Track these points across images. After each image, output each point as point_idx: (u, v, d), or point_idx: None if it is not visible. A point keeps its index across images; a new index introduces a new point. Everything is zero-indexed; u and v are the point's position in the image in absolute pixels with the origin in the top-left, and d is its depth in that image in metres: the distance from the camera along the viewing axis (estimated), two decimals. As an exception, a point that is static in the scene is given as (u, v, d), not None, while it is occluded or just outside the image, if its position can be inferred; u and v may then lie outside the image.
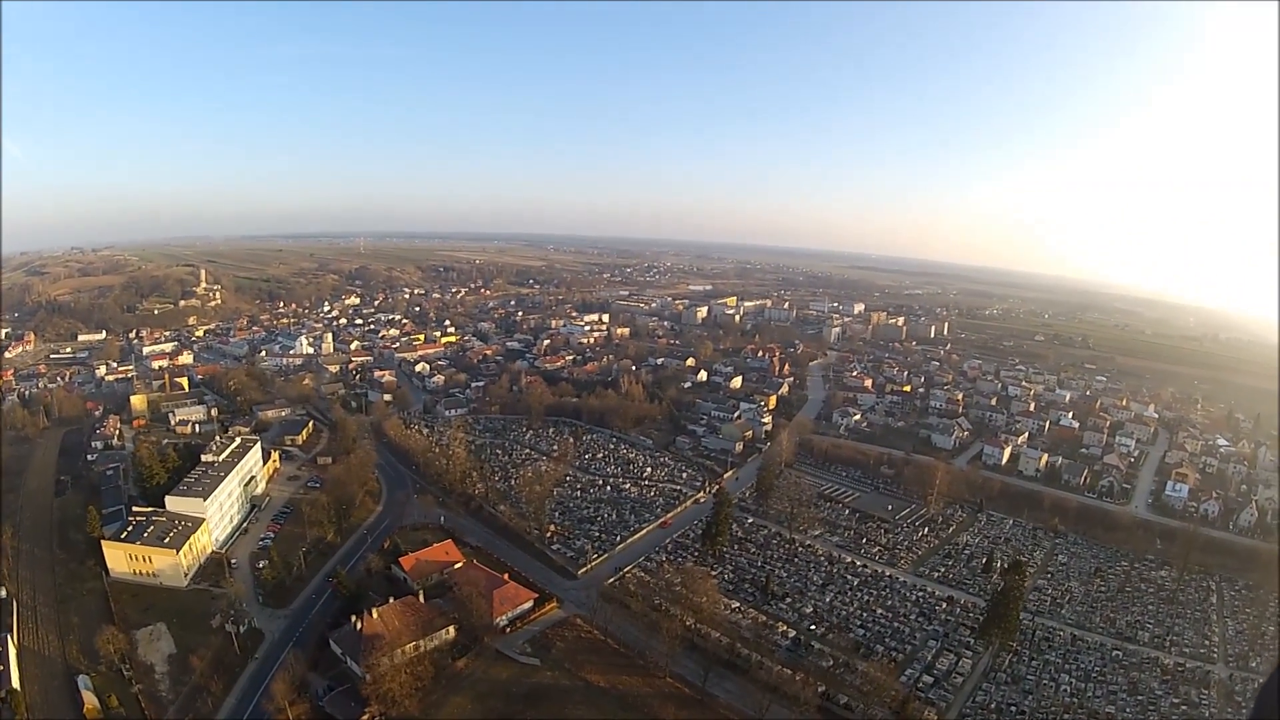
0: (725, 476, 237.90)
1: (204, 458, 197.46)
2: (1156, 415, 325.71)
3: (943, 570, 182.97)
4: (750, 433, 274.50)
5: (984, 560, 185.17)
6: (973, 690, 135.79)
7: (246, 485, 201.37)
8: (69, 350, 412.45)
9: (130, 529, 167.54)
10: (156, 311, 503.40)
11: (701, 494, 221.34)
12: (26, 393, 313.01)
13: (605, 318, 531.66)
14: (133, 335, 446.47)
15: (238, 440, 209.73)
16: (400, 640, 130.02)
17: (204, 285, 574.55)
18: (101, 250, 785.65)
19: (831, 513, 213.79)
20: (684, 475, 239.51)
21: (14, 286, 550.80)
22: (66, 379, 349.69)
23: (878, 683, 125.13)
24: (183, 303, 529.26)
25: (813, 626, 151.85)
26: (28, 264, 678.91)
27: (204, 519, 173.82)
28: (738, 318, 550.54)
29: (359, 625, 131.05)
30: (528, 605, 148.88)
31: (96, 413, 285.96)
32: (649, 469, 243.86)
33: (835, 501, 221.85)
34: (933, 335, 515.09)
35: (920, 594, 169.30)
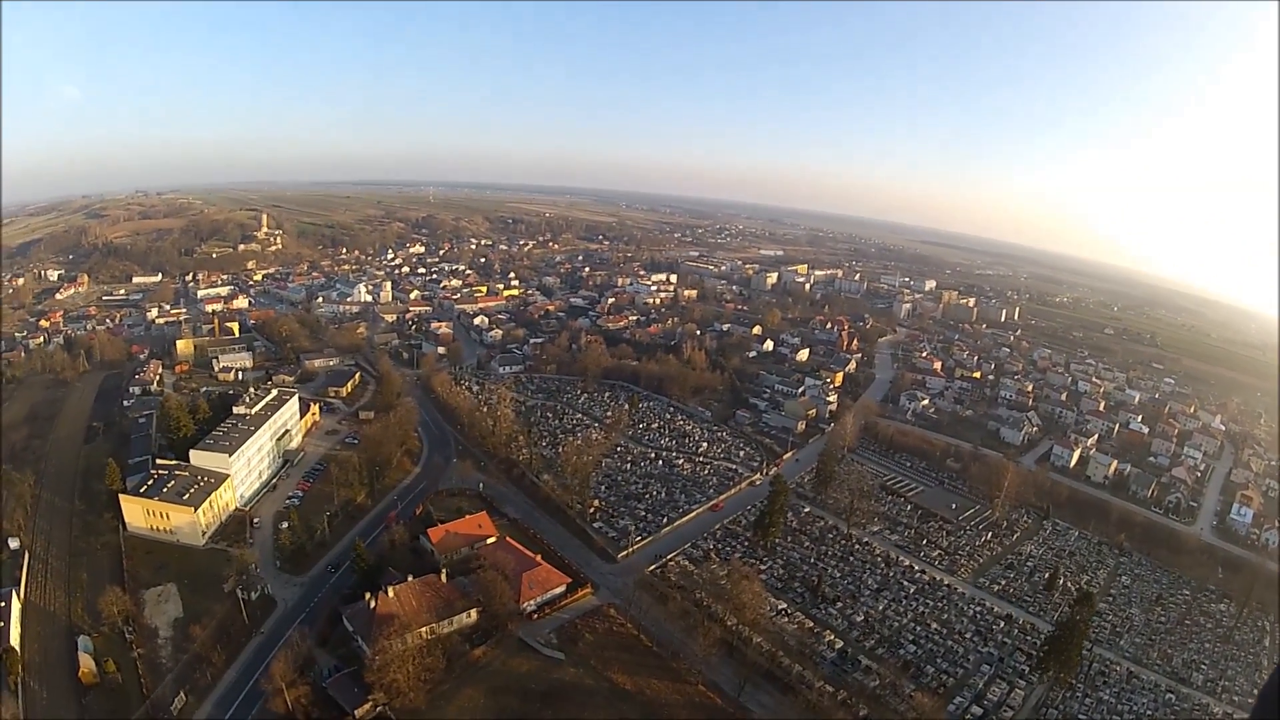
0: (784, 458, 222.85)
1: (236, 409, 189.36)
2: (1223, 427, 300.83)
3: (1003, 583, 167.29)
4: (814, 411, 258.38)
5: (1047, 576, 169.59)
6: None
7: (280, 440, 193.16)
8: (123, 292, 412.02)
9: (151, 483, 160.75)
10: (215, 255, 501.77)
11: (758, 476, 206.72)
12: (73, 334, 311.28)
13: (673, 278, 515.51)
14: (189, 278, 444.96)
15: (274, 392, 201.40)
16: (416, 622, 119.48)
17: (265, 229, 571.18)
18: (166, 194, 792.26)
19: (893, 507, 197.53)
20: (741, 453, 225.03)
21: (70, 229, 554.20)
22: (115, 321, 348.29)
23: (924, 711, 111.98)
24: (242, 247, 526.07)
25: (861, 639, 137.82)
26: (87, 207, 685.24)
27: (228, 475, 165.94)
28: (807, 286, 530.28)
29: (372, 604, 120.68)
30: (559, 590, 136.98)
31: (141, 356, 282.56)
32: (705, 444, 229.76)
33: (897, 495, 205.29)
34: (1003, 319, 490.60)
35: (978, 609, 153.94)
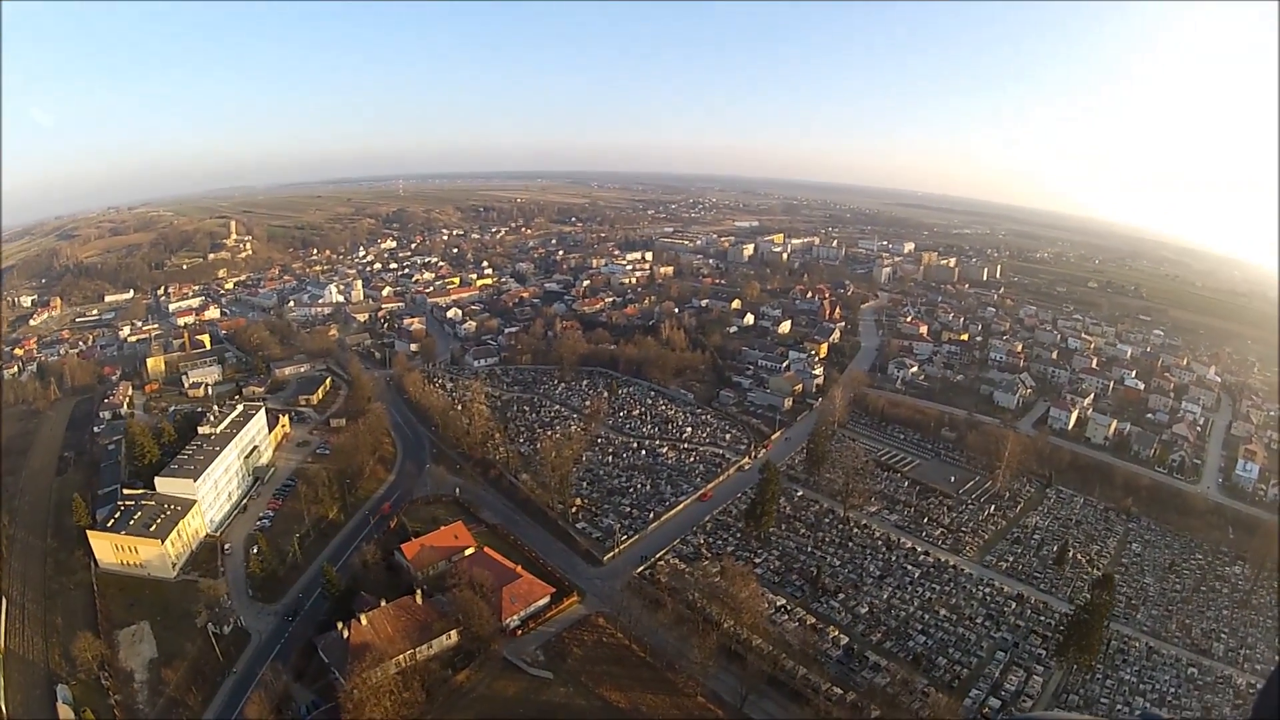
0: (773, 438, 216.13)
1: (201, 429, 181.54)
2: (1219, 379, 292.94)
3: (1011, 560, 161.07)
4: (800, 386, 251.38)
5: (1056, 550, 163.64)
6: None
7: (248, 457, 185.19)
8: (95, 312, 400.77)
9: (118, 515, 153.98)
10: (185, 266, 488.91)
11: (746, 459, 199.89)
12: (45, 361, 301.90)
13: (648, 256, 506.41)
14: (160, 293, 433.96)
15: (239, 408, 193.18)
16: (393, 649, 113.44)
17: (234, 237, 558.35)
18: (137, 208, 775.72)
19: (890, 484, 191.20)
20: (727, 436, 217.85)
21: (43, 252, 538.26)
22: (89, 343, 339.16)
23: (940, 709, 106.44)
24: (212, 256, 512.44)
25: (867, 633, 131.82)
26: (60, 228, 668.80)
27: (195, 500, 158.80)
28: (785, 256, 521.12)
29: (346, 633, 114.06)
30: (543, 602, 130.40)
31: (114, 378, 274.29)
32: (689, 429, 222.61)
33: (893, 470, 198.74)
34: (985, 278, 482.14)
35: (987, 590, 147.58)
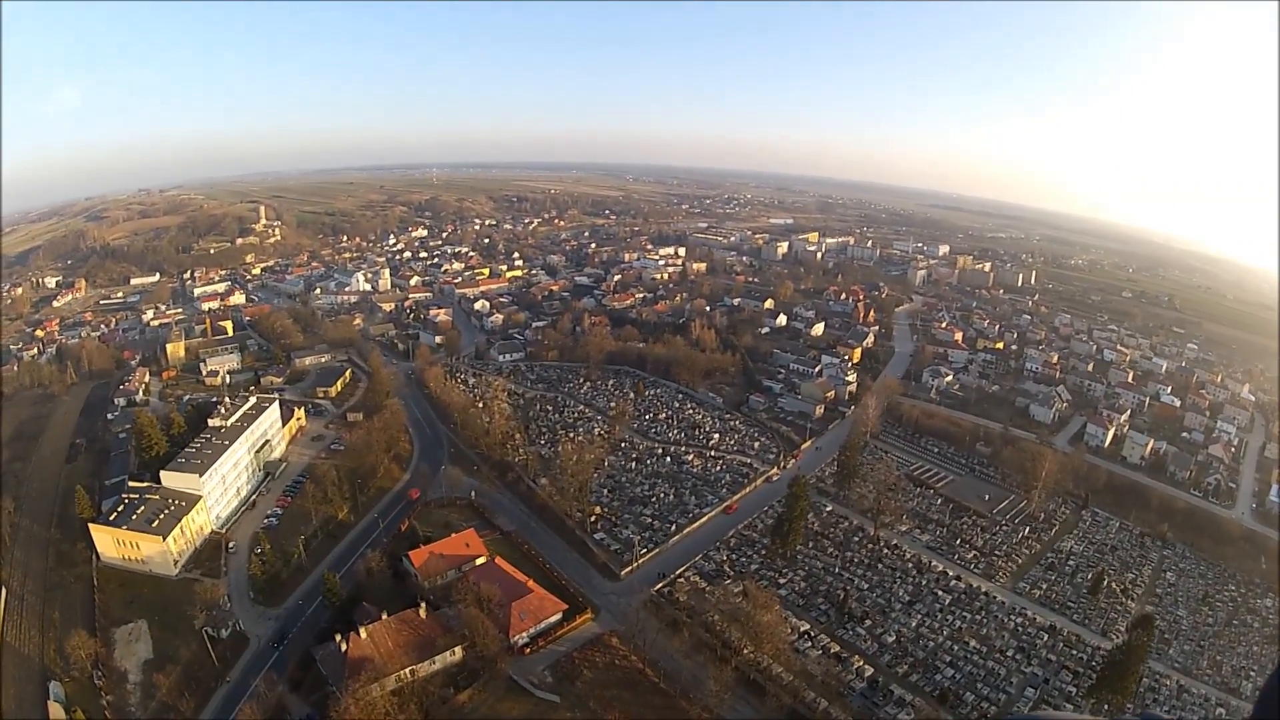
0: (803, 448, 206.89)
1: (211, 422, 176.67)
2: (1253, 397, 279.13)
3: (1044, 587, 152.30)
4: (832, 393, 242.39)
5: (1091, 578, 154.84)
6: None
7: (259, 451, 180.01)
8: (120, 295, 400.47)
9: (121, 509, 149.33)
10: (213, 251, 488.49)
11: (775, 470, 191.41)
12: (66, 344, 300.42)
13: (681, 251, 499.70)
14: (187, 277, 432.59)
15: (251, 400, 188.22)
16: (393, 665, 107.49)
17: (263, 222, 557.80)
18: (169, 190, 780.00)
19: (922, 501, 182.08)
20: (755, 445, 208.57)
21: (70, 233, 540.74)
22: (112, 326, 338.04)
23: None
24: (240, 240, 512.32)
25: (893, 663, 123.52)
26: (89, 209, 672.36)
27: (200, 496, 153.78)
28: (819, 255, 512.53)
29: (344, 646, 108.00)
30: (554, 619, 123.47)
31: (133, 362, 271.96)
32: (716, 435, 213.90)
33: (926, 486, 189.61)
34: (1020, 284, 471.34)
35: (1019, 620, 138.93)
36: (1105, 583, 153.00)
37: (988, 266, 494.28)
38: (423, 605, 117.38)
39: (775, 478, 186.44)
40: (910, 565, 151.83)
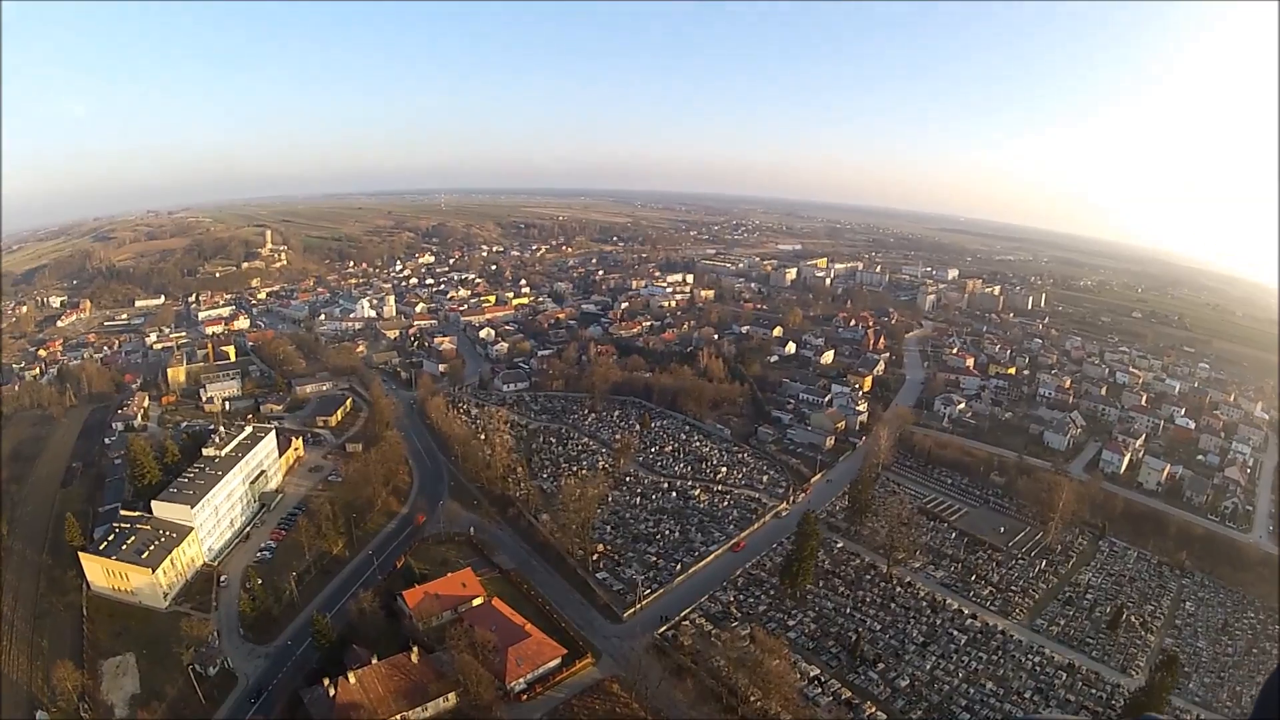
0: (812, 481, 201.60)
1: (205, 451, 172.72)
2: (1266, 416, 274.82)
3: (1062, 623, 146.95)
4: (843, 423, 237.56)
5: (1110, 611, 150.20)
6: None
7: (254, 482, 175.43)
8: (124, 317, 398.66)
9: (112, 538, 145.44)
10: (218, 274, 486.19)
11: (784, 505, 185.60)
12: (68, 365, 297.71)
13: (689, 278, 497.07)
14: (192, 300, 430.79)
15: (247, 430, 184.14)
16: (383, 711, 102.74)
17: (269, 246, 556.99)
18: (177, 212, 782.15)
19: (936, 536, 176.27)
20: (764, 478, 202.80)
21: (76, 253, 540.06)
22: (115, 348, 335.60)
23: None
24: (246, 264, 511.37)
25: (907, 709, 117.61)
26: (97, 229, 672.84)
27: (192, 528, 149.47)
28: (828, 281, 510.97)
29: (333, 691, 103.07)
30: (553, 664, 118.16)
31: (134, 386, 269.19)
32: (724, 468, 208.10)
33: (939, 519, 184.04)
34: (1030, 307, 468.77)
35: (1036, 660, 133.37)
36: (1125, 616, 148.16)
37: (997, 290, 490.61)
38: (415, 649, 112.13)
39: (784, 513, 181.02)
40: (924, 604, 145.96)
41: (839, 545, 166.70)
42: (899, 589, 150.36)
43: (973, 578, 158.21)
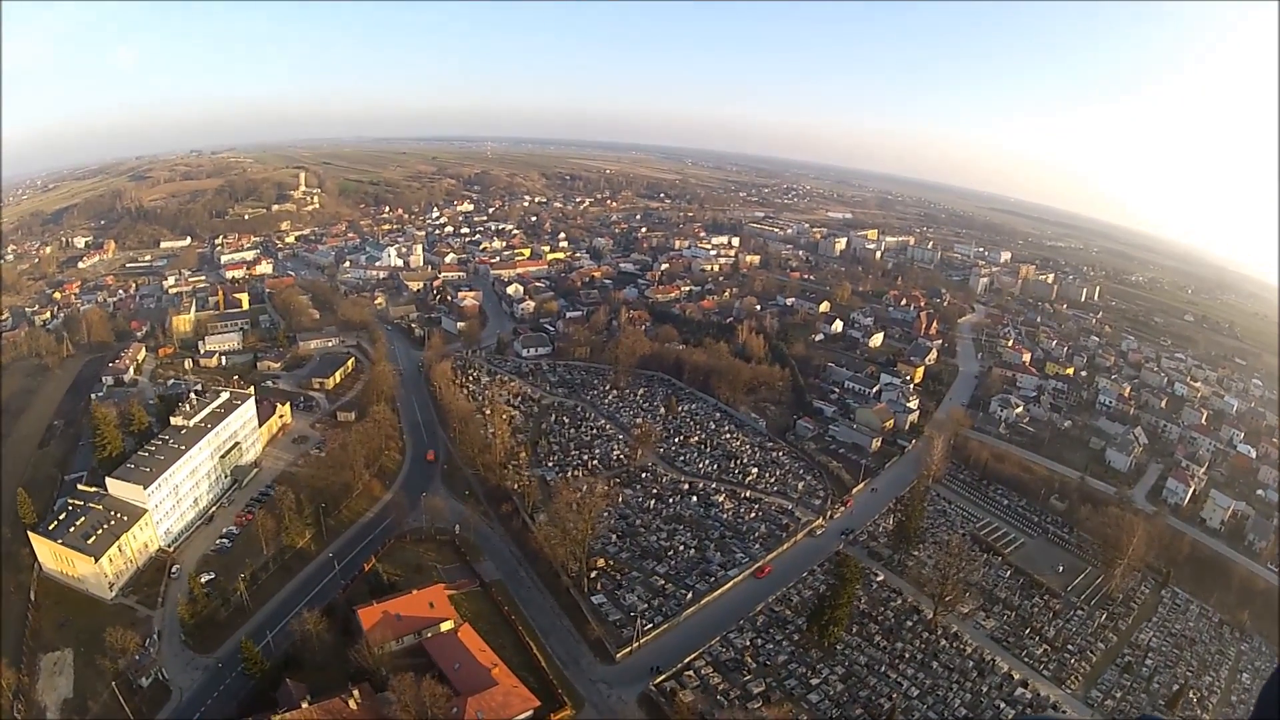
0: (854, 491, 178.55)
1: (173, 420, 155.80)
2: None
3: (1119, 695, 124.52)
4: (891, 422, 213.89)
5: (1171, 688, 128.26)
6: None
7: (225, 455, 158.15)
8: (147, 259, 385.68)
9: (64, 517, 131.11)
10: (247, 216, 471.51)
11: (820, 520, 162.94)
12: (79, 309, 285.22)
13: (735, 241, 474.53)
14: (218, 242, 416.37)
15: (222, 396, 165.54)
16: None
17: (302, 188, 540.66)
18: (221, 152, 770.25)
19: (989, 573, 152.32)
20: (800, 485, 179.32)
21: (108, 192, 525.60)
22: (131, 291, 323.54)
23: None
24: (276, 207, 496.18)
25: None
26: (136, 168, 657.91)
27: (145, 510, 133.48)
28: (878, 254, 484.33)
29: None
30: (524, 718, 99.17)
31: (139, 334, 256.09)
32: (754, 469, 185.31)
33: (994, 552, 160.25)
34: (1084, 299, 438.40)
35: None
36: (1186, 694, 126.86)
37: (1051, 278, 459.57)
38: (356, 692, 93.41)
39: (820, 530, 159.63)
40: (970, 664, 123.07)
41: (879, 578, 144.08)
42: (944, 642, 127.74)
43: (1027, 631, 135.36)
